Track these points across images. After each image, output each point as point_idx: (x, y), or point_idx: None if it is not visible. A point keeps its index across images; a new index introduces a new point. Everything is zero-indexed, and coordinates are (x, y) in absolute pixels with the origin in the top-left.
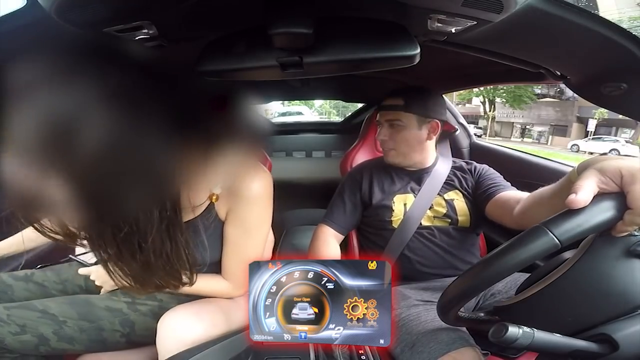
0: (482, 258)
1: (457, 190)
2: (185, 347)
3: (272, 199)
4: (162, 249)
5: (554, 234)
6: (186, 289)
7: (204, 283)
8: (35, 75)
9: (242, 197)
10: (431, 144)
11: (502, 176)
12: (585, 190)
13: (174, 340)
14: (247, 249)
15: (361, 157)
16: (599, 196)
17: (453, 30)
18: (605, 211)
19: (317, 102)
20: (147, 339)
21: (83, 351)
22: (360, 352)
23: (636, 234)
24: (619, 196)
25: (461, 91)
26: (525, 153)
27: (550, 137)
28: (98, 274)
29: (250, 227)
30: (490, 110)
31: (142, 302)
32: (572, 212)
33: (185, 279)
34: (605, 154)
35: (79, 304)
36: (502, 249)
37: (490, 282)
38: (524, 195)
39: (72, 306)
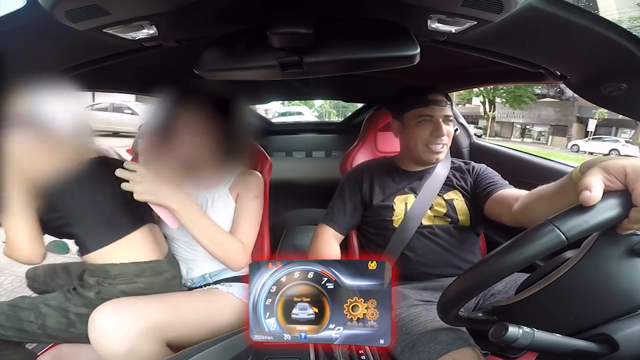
0: (487, 255)
1: (456, 190)
2: (118, 342)
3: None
4: None
5: (560, 230)
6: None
7: None
8: None
9: None
10: None
11: (500, 175)
12: (597, 187)
13: (103, 336)
14: None
15: (361, 157)
16: (605, 194)
17: (453, 30)
18: (611, 209)
19: (317, 102)
20: (66, 334)
21: (16, 337)
22: (360, 352)
23: (639, 233)
24: (625, 194)
25: (461, 91)
26: (526, 153)
27: (550, 137)
28: None
29: None
30: (490, 110)
31: (53, 298)
32: (579, 209)
33: None
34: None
35: (15, 299)
36: (507, 245)
37: (494, 279)
38: (522, 192)
39: (9, 301)
